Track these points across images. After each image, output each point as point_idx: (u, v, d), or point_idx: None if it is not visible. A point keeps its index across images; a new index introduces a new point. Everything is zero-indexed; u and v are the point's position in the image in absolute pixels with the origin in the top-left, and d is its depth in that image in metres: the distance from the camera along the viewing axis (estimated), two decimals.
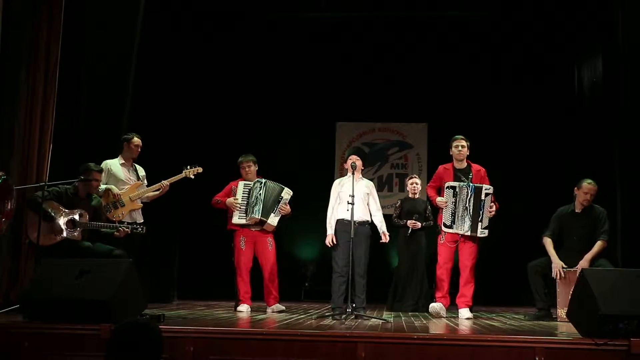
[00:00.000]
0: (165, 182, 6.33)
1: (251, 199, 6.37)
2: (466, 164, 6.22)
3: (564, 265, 5.79)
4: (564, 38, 9.47)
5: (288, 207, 6.50)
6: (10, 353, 4.00)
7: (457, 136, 6.25)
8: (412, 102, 10.14)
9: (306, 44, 10.05)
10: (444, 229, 6.08)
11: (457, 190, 5.99)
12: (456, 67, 9.92)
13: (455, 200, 5.99)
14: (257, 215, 6.33)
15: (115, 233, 5.66)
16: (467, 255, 6.03)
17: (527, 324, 5.42)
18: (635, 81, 6.61)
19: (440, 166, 6.36)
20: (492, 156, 9.59)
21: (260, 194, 6.36)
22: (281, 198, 6.42)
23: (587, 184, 5.94)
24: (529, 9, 9.26)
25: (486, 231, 5.97)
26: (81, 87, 6.75)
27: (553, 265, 5.84)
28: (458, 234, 6.01)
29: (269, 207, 6.38)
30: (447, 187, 6.05)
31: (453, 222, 6.00)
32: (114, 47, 6.93)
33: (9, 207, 5.02)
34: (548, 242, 6.01)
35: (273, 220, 6.42)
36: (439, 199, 6.11)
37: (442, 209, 6.09)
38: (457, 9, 9.56)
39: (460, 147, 6.15)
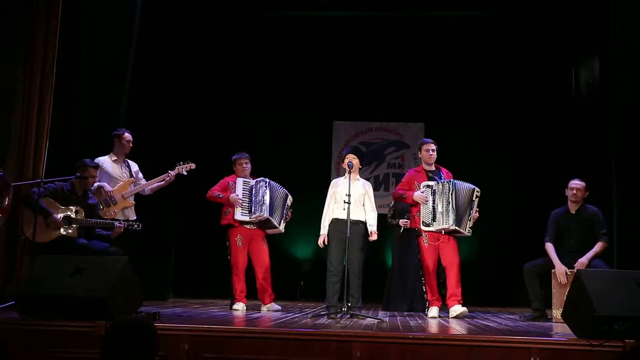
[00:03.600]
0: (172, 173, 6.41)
1: (257, 197, 6.36)
2: (434, 167, 6.29)
3: (567, 271, 5.78)
4: (561, 39, 9.49)
5: (291, 213, 6.58)
6: (6, 349, 3.99)
7: (427, 139, 6.38)
8: (410, 102, 10.14)
9: (303, 42, 10.05)
10: (424, 228, 6.04)
11: (434, 188, 6.02)
12: (453, 68, 9.93)
13: (434, 198, 6.00)
14: (265, 214, 6.32)
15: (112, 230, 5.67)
16: (452, 253, 6.02)
17: (522, 324, 5.42)
18: (632, 82, 6.62)
19: (409, 170, 6.47)
20: (489, 156, 9.65)
21: (266, 193, 6.38)
22: (287, 204, 6.49)
23: (575, 181, 6.08)
24: (526, 10, 9.27)
25: (471, 231, 6.01)
26: (78, 83, 6.74)
27: (558, 271, 5.83)
28: (440, 233, 5.99)
29: (275, 208, 6.41)
30: (425, 186, 6.07)
31: (433, 219, 5.99)
32: (112, 43, 6.94)
33: (5, 203, 5.00)
34: (550, 248, 6.02)
35: (282, 226, 6.49)
36: (417, 193, 6.08)
37: (418, 210, 6.06)
38: (454, 9, 9.56)
39: (430, 150, 6.23)
